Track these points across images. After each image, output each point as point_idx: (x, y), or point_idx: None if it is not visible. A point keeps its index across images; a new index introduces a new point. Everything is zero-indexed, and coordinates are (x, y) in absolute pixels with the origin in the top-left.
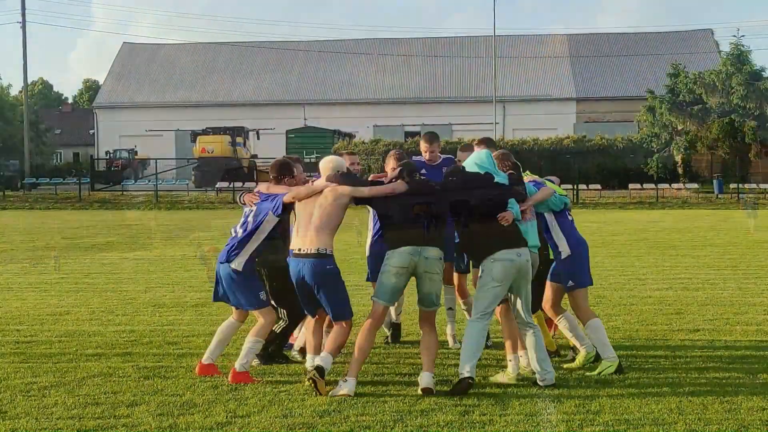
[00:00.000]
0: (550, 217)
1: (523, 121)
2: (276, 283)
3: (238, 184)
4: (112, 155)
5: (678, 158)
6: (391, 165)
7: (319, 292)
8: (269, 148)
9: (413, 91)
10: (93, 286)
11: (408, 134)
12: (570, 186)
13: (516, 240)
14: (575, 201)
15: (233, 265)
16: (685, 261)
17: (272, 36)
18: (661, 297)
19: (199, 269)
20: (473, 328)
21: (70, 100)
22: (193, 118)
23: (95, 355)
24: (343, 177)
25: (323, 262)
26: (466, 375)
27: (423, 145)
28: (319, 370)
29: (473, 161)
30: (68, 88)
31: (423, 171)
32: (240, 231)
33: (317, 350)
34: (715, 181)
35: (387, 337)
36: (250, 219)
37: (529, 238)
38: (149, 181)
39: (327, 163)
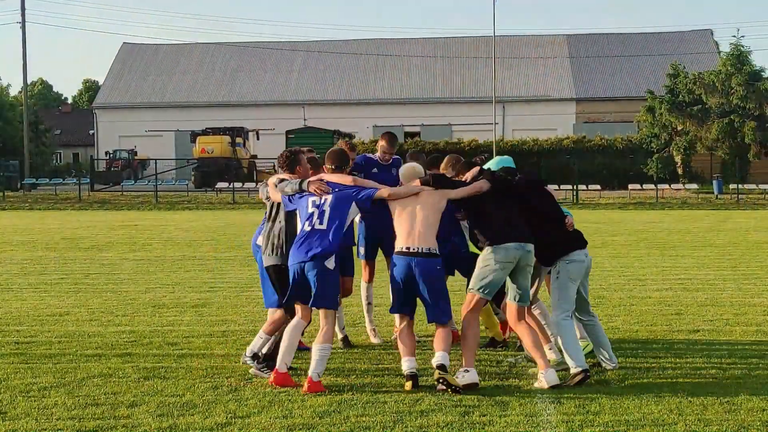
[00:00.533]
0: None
1: (523, 122)
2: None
3: (238, 185)
4: (111, 155)
5: (677, 159)
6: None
7: (424, 292)
8: (269, 149)
9: (413, 91)
10: (93, 286)
11: (408, 134)
12: (570, 186)
13: (583, 241)
14: (575, 201)
15: (328, 264)
16: (685, 262)
17: (272, 36)
18: (660, 298)
19: (199, 270)
20: (569, 327)
21: (69, 101)
22: (193, 118)
23: (95, 356)
24: (436, 179)
25: (434, 261)
26: (585, 367)
27: (384, 146)
28: (443, 368)
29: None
30: (68, 88)
31: (375, 170)
32: (314, 223)
33: (411, 353)
34: (714, 182)
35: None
36: (326, 209)
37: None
38: (149, 181)
39: (410, 170)
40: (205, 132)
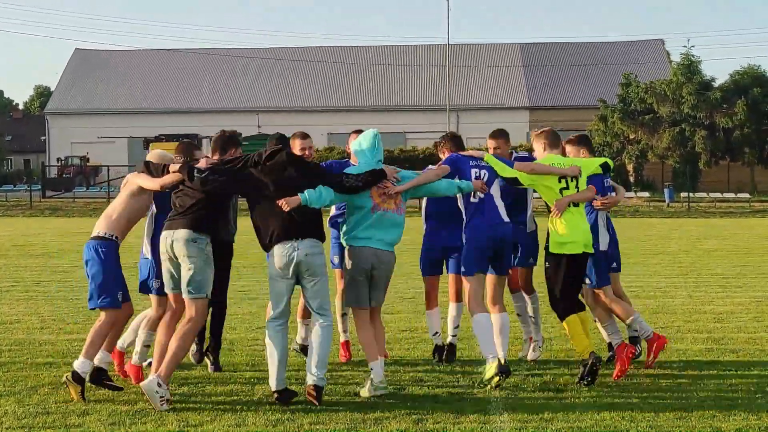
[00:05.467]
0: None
1: (477, 130)
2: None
3: None
4: (63, 162)
5: (629, 167)
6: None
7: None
8: None
9: (367, 99)
10: (44, 294)
11: None
12: None
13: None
14: None
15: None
16: (637, 269)
17: (227, 43)
18: None
19: None
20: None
21: (21, 107)
22: (146, 124)
23: (46, 364)
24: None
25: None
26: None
27: (302, 143)
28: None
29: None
30: (19, 94)
31: None
32: None
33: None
34: (666, 190)
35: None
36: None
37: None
38: (101, 188)
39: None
40: (158, 138)
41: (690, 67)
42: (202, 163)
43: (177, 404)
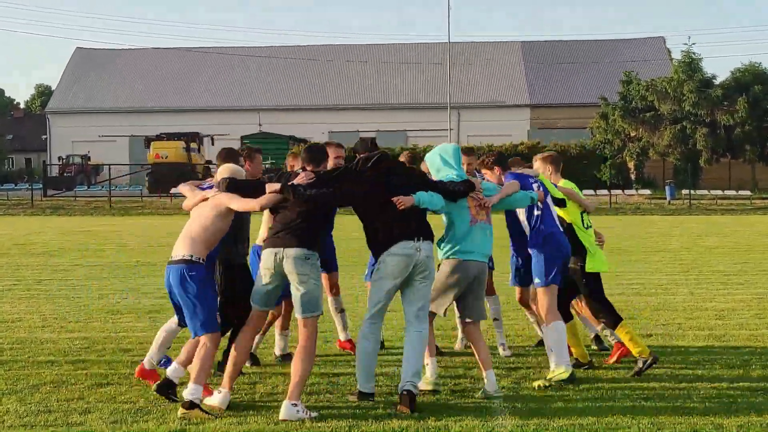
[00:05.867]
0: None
1: (478, 128)
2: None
3: None
4: (64, 161)
5: (631, 164)
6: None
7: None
8: None
9: (368, 97)
10: (45, 292)
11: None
12: None
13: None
14: None
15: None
16: (638, 266)
17: (227, 41)
18: (614, 302)
19: (154, 276)
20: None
21: (22, 106)
22: (147, 123)
23: (48, 363)
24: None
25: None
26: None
27: (336, 151)
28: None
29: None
30: (20, 93)
31: None
32: None
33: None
34: (667, 187)
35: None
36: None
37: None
38: (102, 186)
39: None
40: (159, 137)
41: (691, 65)
42: (301, 178)
43: (178, 403)
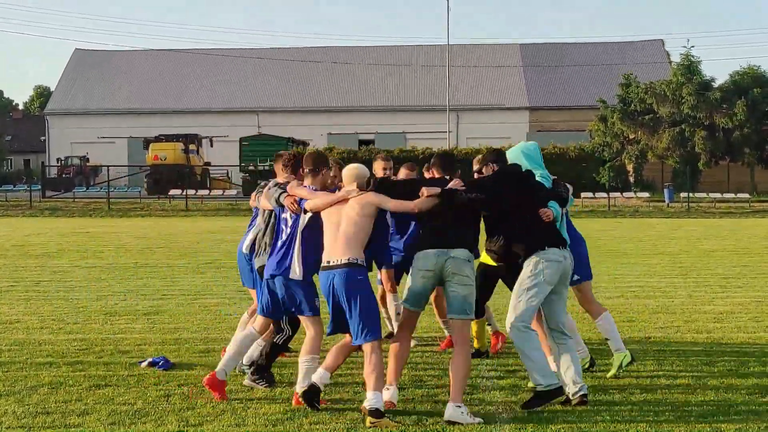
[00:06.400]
0: None
1: (477, 130)
2: None
3: (191, 192)
4: (63, 162)
5: (629, 167)
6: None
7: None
8: (223, 156)
9: (367, 99)
10: (44, 294)
11: (362, 142)
12: None
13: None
14: None
15: (293, 277)
16: (637, 269)
17: (226, 43)
18: (612, 305)
19: (152, 277)
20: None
21: (21, 107)
22: (146, 125)
23: (46, 364)
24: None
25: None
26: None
27: (384, 164)
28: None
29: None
30: (19, 94)
31: None
32: (284, 239)
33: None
34: (665, 190)
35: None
36: (284, 227)
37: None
38: (101, 188)
39: (351, 171)
40: (158, 139)
41: (690, 68)
42: (456, 182)
43: (176, 405)
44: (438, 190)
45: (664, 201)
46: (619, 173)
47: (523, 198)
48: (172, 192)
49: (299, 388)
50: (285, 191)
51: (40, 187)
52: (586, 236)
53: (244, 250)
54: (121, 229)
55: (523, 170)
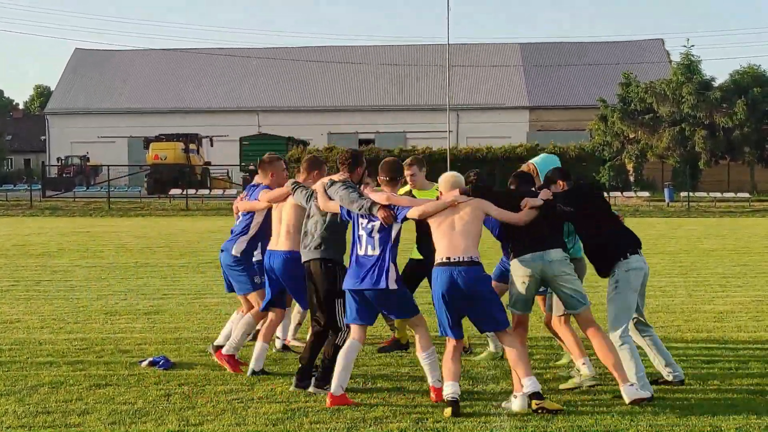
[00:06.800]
0: None
1: (477, 130)
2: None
3: (192, 191)
4: (63, 161)
5: (629, 167)
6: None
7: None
8: (223, 155)
9: (367, 99)
10: (44, 293)
11: (362, 142)
12: None
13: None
14: None
15: (390, 286)
16: None
17: (227, 42)
18: None
19: (152, 277)
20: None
21: (21, 106)
22: (146, 124)
23: (46, 364)
24: (477, 191)
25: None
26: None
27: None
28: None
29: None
30: (19, 93)
31: None
32: (366, 249)
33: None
34: (666, 190)
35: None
36: (375, 236)
37: None
38: (101, 187)
39: (450, 179)
40: (158, 138)
41: (690, 67)
42: (547, 193)
43: (176, 404)
44: (540, 202)
45: (664, 200)
46: (619, 173)
47: (599, 211)
48: (173, 191)
49: (433, 381)
50: (372, 201)
51: (40, 186)
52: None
53: (237, 254)
54: (122, 229)
55: (593, 186)
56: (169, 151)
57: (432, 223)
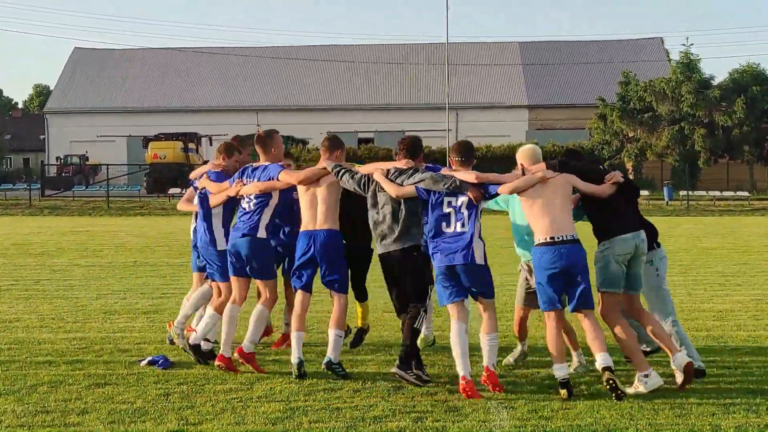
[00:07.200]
0: None
1: (476, 128)
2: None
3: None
4: (62, 161)
5: (629, 165)
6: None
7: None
8: None
9: (366, 97)
10: (43, 292)
11: (361, 140)
12: None
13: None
14: None
15: (479, 262)
16: None
17: (225, 41)
18: None
19: (151, 276)
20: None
21: (20, 105)
22: (145, 123)
23: (45, 363)
24: (563, 164)
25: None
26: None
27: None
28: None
29: None
30: (18, 92)
31: None
32: (455, 226)
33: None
34: (665, 189)
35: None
36: (464, 212)
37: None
38: (101, 186)
39: (532, 152)
40: (157, 137)
41: (689, 66)
42: (618, 174)
43: (176, 403)
44: (622, 178)
45: (663, 199)
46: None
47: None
48: (172, 191)
49: (490, 363)
50: (456, 180)
51: (39, 185)
52: (586, 235)
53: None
54: (121, 228)
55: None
56: (168, 150)
57: (524, 200)
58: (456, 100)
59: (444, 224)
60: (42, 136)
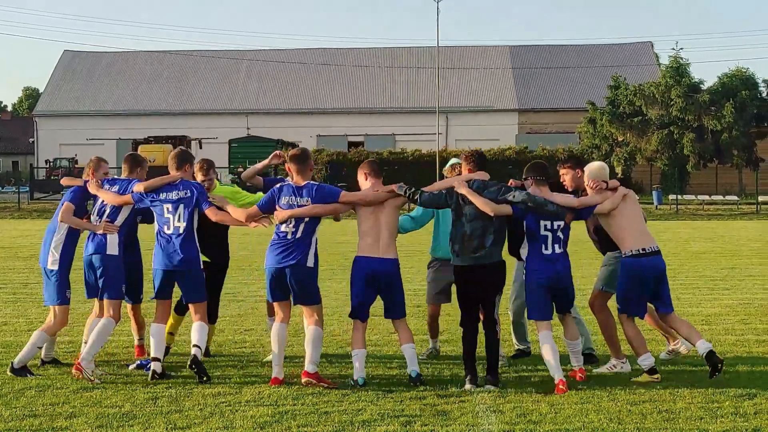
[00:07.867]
0: None
1: (466, 132)
2: None
3: None
4: (51, 164)
5: (618, 169)
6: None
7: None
8: (212, 158)
9: (356, 101)
10: (31, 296)
11: (351, 144)
12: None
13: None
14: None
15: None
16: None
17: (216, 45)
18: None
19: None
20: None
21: (9, 108)
22: (135, 126)
23: (33, 367)
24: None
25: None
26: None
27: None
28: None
29: None
30: (7, 95)
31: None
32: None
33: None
34: (654, 193)
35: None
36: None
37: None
38: None
39: (601, 170)
40: (147, 140)
41: (678, 70)
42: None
43: (164, 407)
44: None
45: (652, 203)
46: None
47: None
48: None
49: (576, 365)
50: (559, 206)
51: (28, 188)
52: (576, 239)
53: (112, 252)
54: None
55: None
56: (158, 153)
57: (610, 215)
58: (446, 104)
59: (541, 245)
60: (31, 139)
